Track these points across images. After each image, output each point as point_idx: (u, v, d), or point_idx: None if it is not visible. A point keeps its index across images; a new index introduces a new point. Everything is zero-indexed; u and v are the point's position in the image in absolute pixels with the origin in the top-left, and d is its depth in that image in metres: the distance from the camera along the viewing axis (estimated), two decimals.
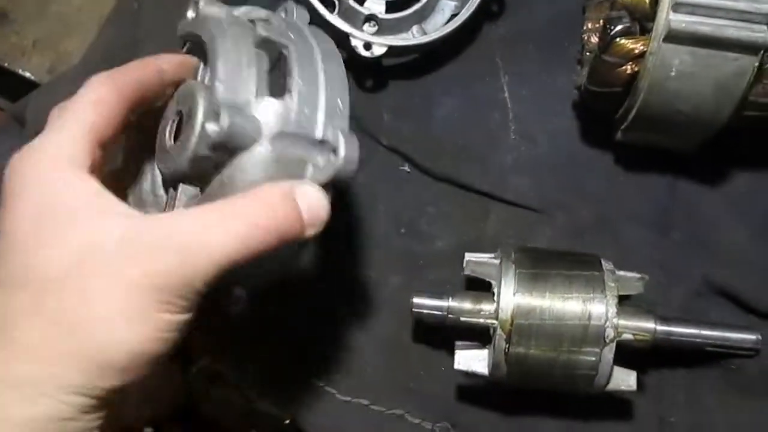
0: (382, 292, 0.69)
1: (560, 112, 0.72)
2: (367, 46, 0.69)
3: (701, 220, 0.68)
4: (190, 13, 0.50)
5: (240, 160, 0.42)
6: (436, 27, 0.73)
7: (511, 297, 0.55)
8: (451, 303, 0.60)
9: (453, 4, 0.74)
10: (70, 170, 0.40)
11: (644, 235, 0.67)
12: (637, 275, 0.57)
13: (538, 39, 0.74)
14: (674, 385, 0.63)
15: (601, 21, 0.58)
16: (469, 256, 0.61)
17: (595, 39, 0.66)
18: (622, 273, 0.57)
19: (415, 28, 0.73)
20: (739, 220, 0.67)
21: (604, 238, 0.68)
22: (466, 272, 0.59)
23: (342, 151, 0.43)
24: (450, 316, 0.59)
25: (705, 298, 0.65)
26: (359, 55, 0.69)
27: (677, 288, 0.65)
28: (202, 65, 0.49)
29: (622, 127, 0.63)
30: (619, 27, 0.57)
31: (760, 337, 0.59)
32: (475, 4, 0.71)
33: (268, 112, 0.43)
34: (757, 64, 0.55)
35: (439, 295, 0.60)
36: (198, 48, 0.48)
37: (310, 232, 0.42)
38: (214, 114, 0.41)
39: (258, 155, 0.42)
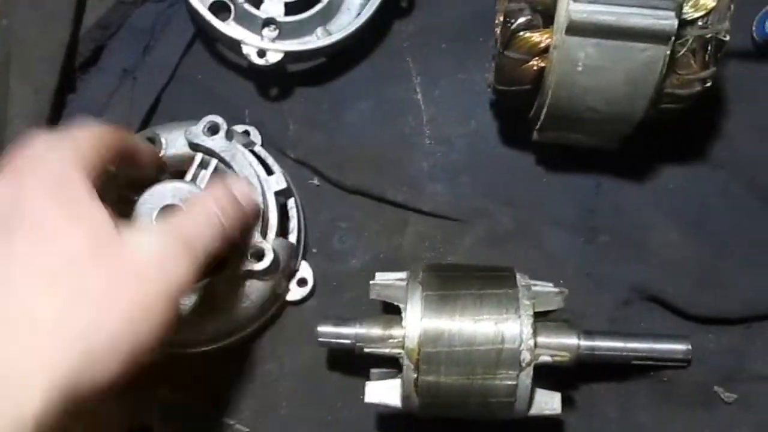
0: (294, 318, 0.64)
1: (477, 112, 0.67)
2: (261, 53, 0.63)
3: (629, 220, 0.63)
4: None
5: None
6: (342, 26, 0.68)
7: (418, 323, 0.51)
8: (358, 330, 0.55)
9: (359, 2, 0.69)
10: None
11: (570, 240, 0.63)
12: (556, 289, 0.52)
13: (451, 35, 0.69)
14: (606, 401, 0.59)
15: (502, 15, 0.53)
16: (379, 276, 0.56)
17: (505, 6, 0.61)
18: (539, 288, 0.52)
19: (319, 30, 0.68)
20: (669, 218, 0.63)
21: (527, 245, 0.63)
22: (372, 296, 0.54)
23: None
24: (358, 344, 0.54)
25: (635, 306, 0.61)
26: (254, 64, 0.63)
27: (605, 296, 0.61)
28: None
29: (537, 126, 0.59)
30: (520, 20, 0.52)
31: (690, 347, 0.55)
32: (378, 2, 0.66)
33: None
34: (668, 53, 0.50)
35: (346, 322, 0.55)
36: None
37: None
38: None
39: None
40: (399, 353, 0.51)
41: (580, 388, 0.59)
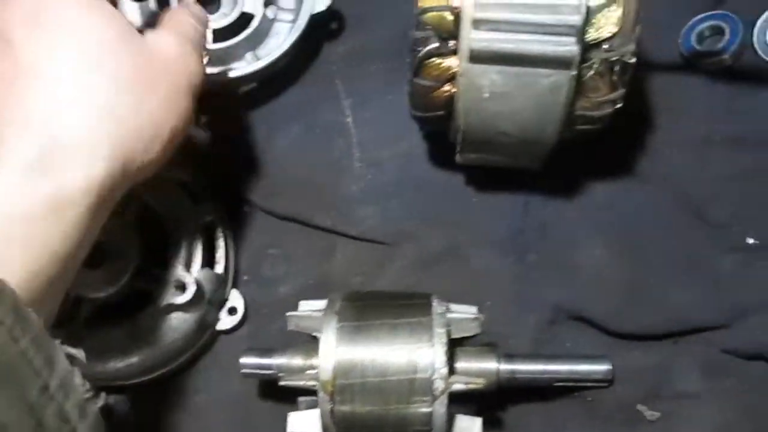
0: (226, 347, 0.64)
1: (407, 133, 0.67)
2: None
3: (557, 238, 0.63)
4: None
5: None
6: (272, 51, 0.68)
7: (332, 354, 0.51)
8: (281, 361, 0.55)
9: (289, 25, 0.69)
10: None
11: (497, 260, 0.63)
12: (472, 315, 0.53)
13: (381, 57, 0.69)
14: (533, 421, 0.59)
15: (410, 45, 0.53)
16: (301, 306, 0.57)
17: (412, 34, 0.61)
18: (455, 315, 0.53)
19: (248, 55, 0.68)
20: (596, 234, 0.63)
21: (456, 267, 0.63)
22: (290, 328, 0.54)
23: None
24: (280, 374, 0.54)
25: (560, 325, 0.61)
26: None
27: (530, 317, 0.61)
28: None
29: (457, 150, 0.59)
30: (427, 47, 0.52)
31: (610, 367, 0.55)
32: (304, 24, 0.65)
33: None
34: (573, 77, 0.50)
35: (270, 353, 0.56)
36: None
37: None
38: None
39: None
40: (314, 385, 0.51)
41: (508, 410, 0.59)
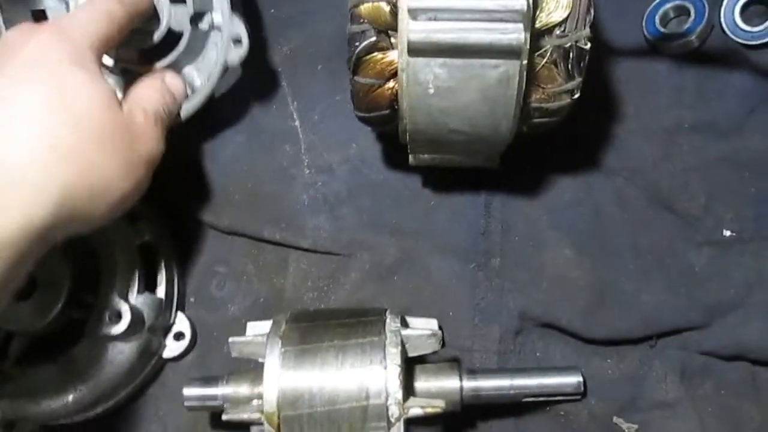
0: (174, 375, 0.59)
1: (358, 135, 0.63)
2: None
3: (521, 241, 0.59)
4: None
5: None
6: (212, 63, 0.62)
7: (276, 383, 0.46)
8: (225, 390, 0.51)
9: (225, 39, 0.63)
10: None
11: (459, 267, 0.59)
12: (429, 331, 0.48)
13: (325, 55, 0.65)
14: None
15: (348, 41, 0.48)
16: (249, 327, 0.53)
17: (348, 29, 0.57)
18: (410, 331, 0.48)
19: (188, 69, 0.62)
20: (563, 233, 0.59)
21: (415, 277, 0.59)
22: (234, 354, 0.50)
23: None
24: (225, 405, 0.50)
25: (528, 334, 0.57)
26: None
27: (494, 328, 0.57)
28: None
29: (408, 151, 0.55)
30: (364, 43, 0.48)
31: (581, 379, 0.51)
32: (213, 83, 0.59)
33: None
34: (524, 65, 0.46)
35: (214, 382, 0.51)
36: None
37: None
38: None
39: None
40: (258, 418, 0.47)
41: (478, 426, 0.55)
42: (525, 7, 0.44)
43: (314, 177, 0.62)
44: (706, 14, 0.62)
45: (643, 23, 0.64)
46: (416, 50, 0.45)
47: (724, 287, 0.58)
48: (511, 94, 0.47)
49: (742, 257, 0.58)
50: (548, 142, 0.58)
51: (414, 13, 0.44)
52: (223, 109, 0.64)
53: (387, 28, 0.47)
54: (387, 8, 0.46)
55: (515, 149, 0.54)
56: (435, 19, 0.45)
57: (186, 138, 0.63)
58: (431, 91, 0.47)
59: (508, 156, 0.56)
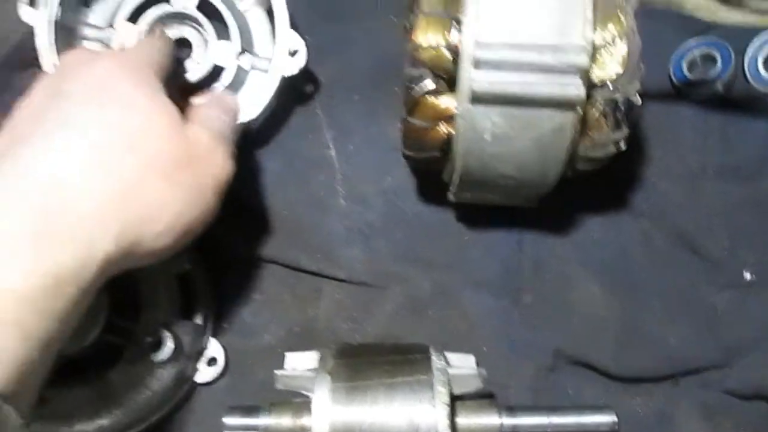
0: (205, 401, 0.59)
1: (393, 167, 0.64)
2: None
3: (552, 277, 0.61)
4: None
5: None
6: (250, 101, 0.62)
7: (327, 416, 0.47)
8: (268, 421, 0.51)
9: (266, 76, 0.63)
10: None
11: (492, 302, 0.60)
12: (474, 371, 0.50)
13: (363, 86, 0.66)
14: None
15: (404, 82, 0.49)
16: (288, 359, 0.53)
17: (407, 72, 0.58)
18: (455, 370, 0.49)
19: None
20: (592, 271, 0.61)
21: (448, 311, 0.60)
22: (278, 387, 0.50)
23: None
24: None
25: (560, 371, 0.59)
26: None
27: (529, 364, 0.58)
28: None
29: (451, 189, 0.56)
30: (422, 86, 0.49)
31: (615, 419, 0.52)
32: (274, 90, 0.59)
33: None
34: (577, 118, 0.47)
35: (255, 412, 0.52)
36: None
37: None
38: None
39: None
40: None
41: None
42: (585, 64, 0.45)
43: (349, 207, 0.63)
44: (732, 62, 0.64)
45: (670, 68, 0.66)
46: (477, 98, 0.47)
47: (744, 329, 0.60)
48: (564, 143, 0.49)
49: (762, 300, 0.60)
50: (579, 182, 0.59)
51: (478, 64, 0.46)
52: (259, 136, 0.64)
53: (446, 73, 0.48)
54: (449, 55, 0.48)
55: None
56: (498, 70, 0.46)
57: None
58: (487, 137, 0.48)
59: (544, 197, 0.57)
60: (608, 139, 0.50)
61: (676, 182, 0.63)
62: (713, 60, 0.65)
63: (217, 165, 0.46)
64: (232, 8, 0.64)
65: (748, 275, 0.61)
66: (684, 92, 0.66)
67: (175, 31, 0.64)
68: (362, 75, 0.66)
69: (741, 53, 0.65)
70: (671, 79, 0.66)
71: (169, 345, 0.53)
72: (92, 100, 0.42)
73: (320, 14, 0.66)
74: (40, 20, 0.57)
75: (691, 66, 0.66)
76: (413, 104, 0.49)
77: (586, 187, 0.61)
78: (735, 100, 0.65)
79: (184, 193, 0.43)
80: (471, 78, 0.46)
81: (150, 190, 0.42)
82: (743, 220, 0.62)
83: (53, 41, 0.58)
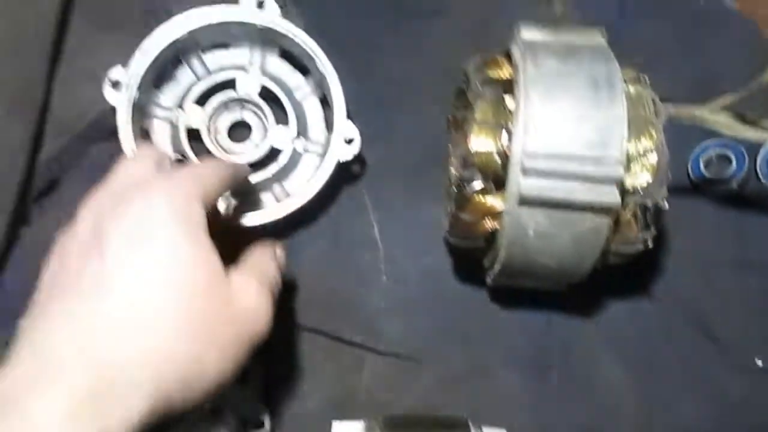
0: None
1: (431, 247, 0.69)
2: None
3: (577, 358, 0.66)
4: None
5: None
6: (301, 183, 0.68)
7: None
8: None
9: (318, 158, 0.69)
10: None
11: (521, 380, 0.65)
12: None
13: (406, 170, 0.71)
14: None
15: (455, 180, 0.55)
16: (336, 427, 0.57)
17: (458, 171, 0.64)
18: None
19: (276, 187, 0.68)
20: (616, 354, 0.66)
21: (481, 385, 0.65)
22: None
23: None
24: None
25: None
26: None
27: None
28: None
29: (490, 275, 0.61)
30: (472, 186, 0.54)
31: None
32: (329, 173, 0.64)
33: None
34: (612, 221, 0.53)
35: None
36: None
37: None
38: None
39: None
40: None
41: None
42: (621, 175, 0.51)
43: (391, 285, 0.68)
44: (746, 164, 0.70)
45: (688, 165, 0.72)
46: (524, 201, 0.52)
47: (756, 414, 0.64)
48: (599, 241, 0.54)
49: None
50: (604, 269, 0.64)
51: (526, 171, 0.51)
52: (308, 215, 0.69)
53: (494, 175, 0.54)
54: (498, 160, 0.53)
55: None
56: (543, 178, 0.51)
57: (273, 235, 0.68)
58: (530, 233, 0.54)
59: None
60: (637, 238, 0.56)
61: (694, 272, 0.68)
62: (728, 160, 0.71)
63: (259, 321, 0.45)
64: (290, 96, 0.70)
65: (760, 362, 0.66)
66: (701, 188, 0.71)
67: (236, 115, 0.70)
68: (406, 160, 0.71)
69: (754, 154, 0.70)
70: (689, 176, 0.72)
71: (228, 422, 0.57)
72: (132, 253, 0.40)
73: (369, 102, 0.71)
74: (121, 101, 0.63)
75: (708, 164, 0.72)
76: (463, 202, 0.55)
77: (610, 274, 0.66)
78: (749, 198, 0.70)
79: (222, 351, 0.42)
80: (519, 183, 0.51)
81: (183, 352, 0.40)
82: (755, 310, 0.67)
83: (130, 119, 0.64)
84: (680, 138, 0.71)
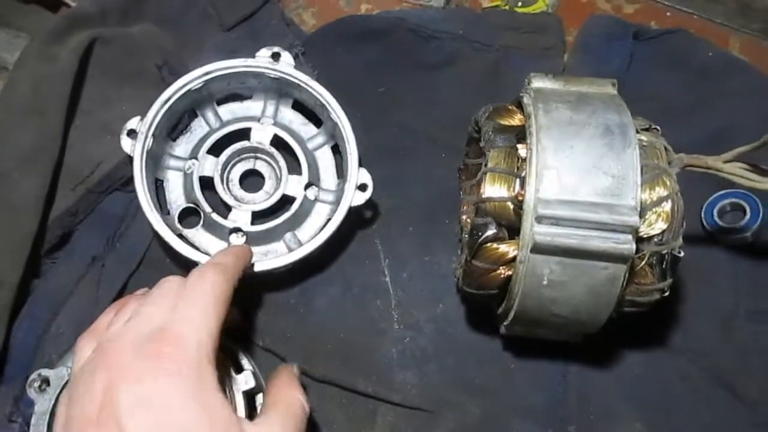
0: None
1: (444, 295, 0.68)
2: None
3: (595, 410, 0.64)
4: None
5: None
6: (312, 231, 0.68)
7: None
8: None
9: (329, 207, 0.70)
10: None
11: (538, 431, 0.63)
12: None
13: (417, 218, 0.72)
14: None
15: (468, 229, 0.54)
16: None
17: (471, 219, 0.64)
18: None
19: (288, 236, 0.69)
20: (633, 407, 0.64)
21: None
22: None
23: None
24: None
25: None
26: None
27: None
28: None
29: (504, 324, 0.60)
30: (487, 233, 0.54)
31: None
32: (342, 217, 0.64)
33: None
34: (627, 269, 0.52)
35: None
36: None
37: None
38: None
39: None
40: None
41: None
42: (637, 223, 0.51)
43: (403, 332, 0.67)
44: (760, 213, 0.69)
45: (702, 214, 0.72)
46: (538, 249, 0.52)
47: None
48: (615, 290, 0.53)
49: None
50: (620, 319, 0.63)
51: (540, 219, 0.51)
52: (320, 262, 0.69)
53: (508, 223, 0.54)
54: (511, 207, 0.53)
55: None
56: (557, 225, 0.51)
57: (283, 284, 0.68)
58: (545, 282, 0.53)
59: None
60: (653, 288, 0.55)
61: (711, 322, 0.67)
62: (743, 210, 0.71)
63: None
64: (302, 145, 0.70)
65: None
66: (716, 237, 0.71)
67: (249, 164, 0.71)
68: (416, 208, 0.72)
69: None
70: (703, 225, 0.71)
71: None
72: (150, 414, 0.41)
73: (380, 152, 0.72)
74: (137, 150, 0.64)
75: (722, 214, 0.72)
76: (477, 249, 0.54)
77: (627, 325, 0.65)
78: (763, 249, 0.70)
79: None
80: (533, 231, 0.51)
81: None
82: None
83: (144, 168, 0.64)
84: (693, 188, 0.71)
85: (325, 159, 0.72)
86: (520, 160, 0.55)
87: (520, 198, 0.53)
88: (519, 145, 0.55)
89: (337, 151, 0.72)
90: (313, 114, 0.73)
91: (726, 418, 0.64)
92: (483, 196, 0.54)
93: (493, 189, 0.54)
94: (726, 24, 0.82)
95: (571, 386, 0.65)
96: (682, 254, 0.54)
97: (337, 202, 0.67)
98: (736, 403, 0.65)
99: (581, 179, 0.52)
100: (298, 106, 0.73)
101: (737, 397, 0.65)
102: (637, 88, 0.75)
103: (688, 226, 0.70)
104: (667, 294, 0.56)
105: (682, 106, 0.75)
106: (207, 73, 0.65)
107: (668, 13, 0.83)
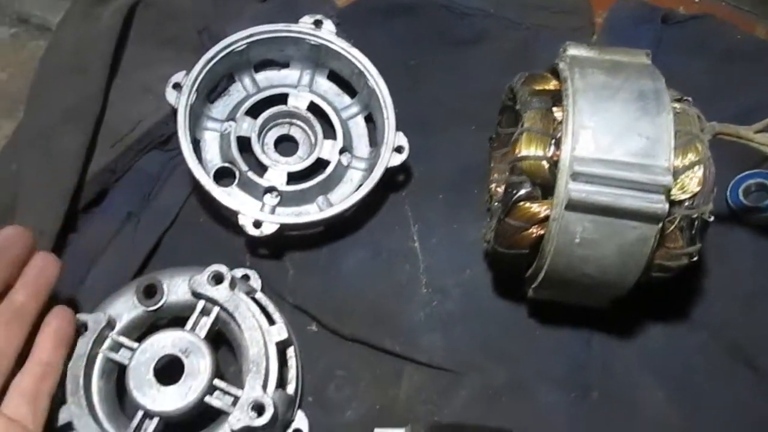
0: None
1: (472, 262, 0.70)
2: (257, 224, 0.64)
3: (617, 378, 0.65)
4: None
5: None
6: (344, 196, 0.70)
7: None
8: None
9: (361, 173, 0.72)
10: None
11: (562, 396, 0.64)
12: None
13: (446, 187, 0.73)
14: None
15: (503, 185, 0.56)
16: None
17: (500, 189, 0.65)
18: None
19: (320, 198, 0.70)
20: (655, 377, 0.65)
21: (521, 400, 0.64)
22: None
23: None
24: None
25: None
26: (249, 235, 0.64)
27: None
28: None
29: (533, 285, 0.61)
30: (521, 192, 0.55)
31: None
32: (377, 177, 0.66)
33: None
34: (658, 231, 0.53)
35: None
36: None
37: None
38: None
39: None
40: None
41: None
42: (671, 183, 0.52)
43: (430, 296, 0.68)
44: None
45: (728, 193, 0.73)
46: (572, 206, 0.53)
47: None
48: (645, 251, 0.54)
49: None
50: (644, 291, 0.64)
51: (575, 176, 0.52)
52: (351, 223, 0.71)
53: (543, 181, 0.55)
54: (546, 167, 0.54)
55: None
56: (591, 183, 0.53)
57: (314, 243, 0.70)
58: (577, 240, 0.54)
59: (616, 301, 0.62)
60: (683, 252, 0.56)
61: (734, 299, 0.68)
62: (767, 190, 0.72)
63: None
64: (337, 112, 0.72)
65: None
66: (740, 217, 0.72)
67: (284, 129, 0.73)
68: (446, 177, 0.73)
69: None
70: (728, 204, 0.72)
71: (269, 412, 0.57)
72: None
73: (411, 124, 0.73)
74: (181, 102, 0.65)
75: (747, 193, 0.72)
76: (511, 207, 0.56)
77: (650, 296, 0.66)
78: None
79: None
80: (568, 188, 0.52)
81: None
82: None
83: (188, 119, 0.66)
84: (721, 165, 0.72)
85: (359, 128, 0.74)
86: (555, 122, 0.56)
87: (555, 158, 0.54)
88: (554, 108, 0.57)
89: (370, 120, 0.74)
90: (347, 85, 0.74)
91: (747, 392, 0.65)
92: (518, 154, 0.55)
93: (530, 148, 0.55)
94: (753, 11, 0.84)
95: (594, 353, 0.66)
96: (712, 219, 0.55)
97: (369, 170, 0.68)
98: (757, 379, 0.66)
99: (616, 140, 0.53)
100: (333, 77, 0.75)
101: (757, 372, 0.66)
102: (665, 71, 0.76)
103: (714, 204, 0.72)
104: (695, 259, 0.57)
105: (708, 88, 0.76)
106: (250, 35, 0.67)
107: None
